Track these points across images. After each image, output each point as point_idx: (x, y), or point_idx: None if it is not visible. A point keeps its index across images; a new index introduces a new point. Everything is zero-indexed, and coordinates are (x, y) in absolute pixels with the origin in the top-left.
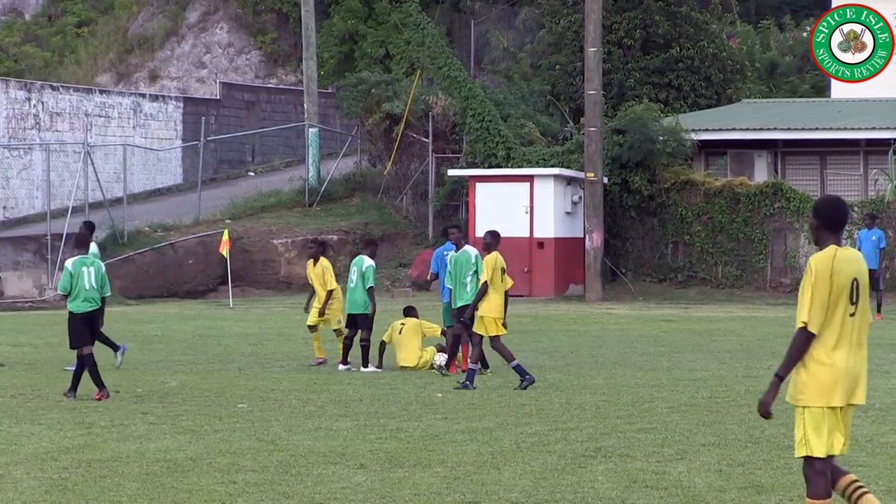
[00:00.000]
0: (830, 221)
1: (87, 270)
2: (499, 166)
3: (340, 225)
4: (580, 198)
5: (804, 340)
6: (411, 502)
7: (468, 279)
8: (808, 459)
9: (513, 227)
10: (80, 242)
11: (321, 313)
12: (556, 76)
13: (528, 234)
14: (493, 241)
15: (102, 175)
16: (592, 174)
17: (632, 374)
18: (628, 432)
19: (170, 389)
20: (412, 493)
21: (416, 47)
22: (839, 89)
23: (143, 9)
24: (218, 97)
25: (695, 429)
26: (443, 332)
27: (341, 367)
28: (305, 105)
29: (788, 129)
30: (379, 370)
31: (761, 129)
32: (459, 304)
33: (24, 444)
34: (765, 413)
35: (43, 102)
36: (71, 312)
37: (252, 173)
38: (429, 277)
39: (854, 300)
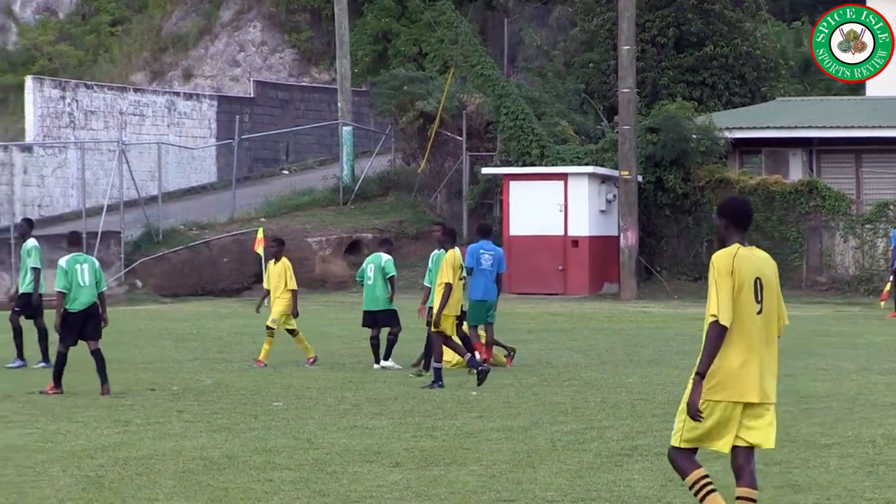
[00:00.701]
0: (737, 219)
1: (81, 268)
2: (533, 164)
3: (374, 223)
4: (615, 196)
5: (718, 333)
6: (447, 500)
7: None
8: (671, 449)
9: (547, 225)
10: (73, 241)
11: (294, 314)
12: (590, 74)
13: (562, 233)
14: (448, 239)
15: (137, 173)
16: (627, 172)
17: (667, 372)
18: (664, 431)
19: (205, 387)
20: (447, 491)
21: (449, 45)
22: (874, 87)
23: (177, 7)
24: (252, 96)
25: None
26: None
27: (376, 366)
28: (339, 103)
29: (823, 127)
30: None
31: (796, 128)
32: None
33: (60, 441)
34: (693, 414)
35: (77, 101)
36: (66, 310)
37: (286, 171)
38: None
39: (759, 299)
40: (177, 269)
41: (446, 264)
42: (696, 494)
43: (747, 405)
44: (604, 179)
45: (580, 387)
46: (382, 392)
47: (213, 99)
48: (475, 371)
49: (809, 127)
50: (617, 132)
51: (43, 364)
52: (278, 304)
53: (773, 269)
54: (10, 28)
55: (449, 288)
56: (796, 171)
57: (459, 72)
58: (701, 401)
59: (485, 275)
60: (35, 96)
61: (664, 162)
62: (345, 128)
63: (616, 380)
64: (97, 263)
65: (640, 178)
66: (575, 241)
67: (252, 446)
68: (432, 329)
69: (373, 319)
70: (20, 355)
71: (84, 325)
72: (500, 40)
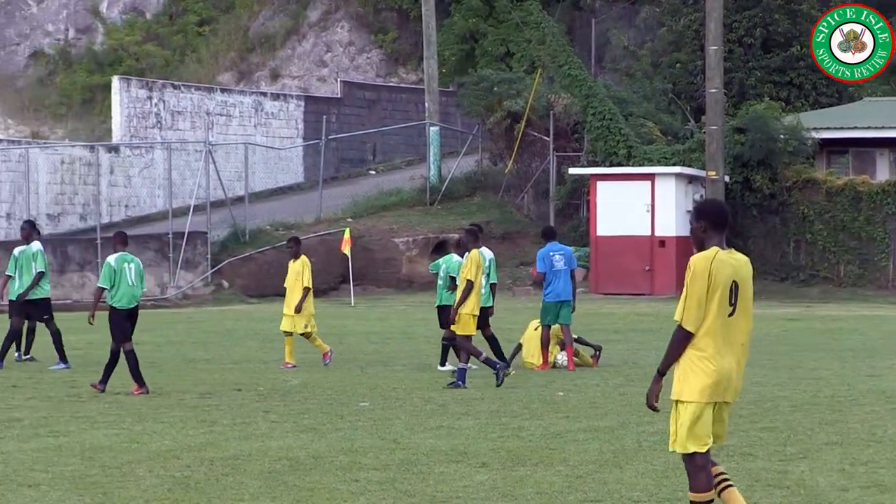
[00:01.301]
0: (715, 222)
1: (129, 267)
2: (620, 165)
3: (462, 224)
4: (702, 196)
5: (681, 337)
6: (533, 501)
7: (482, 280)
8: (688, 456)
9: (634, 225)
10: (122, 240)
11: (297, 309)
12: (677, 74)
13: (649, 233)
14: (470, 239)
15: (224, 174)
16: (714, 172)
17: (754, 372)
18: (751, 431)
19: (292, 388)
20: (534, 491)
21: (536, 46)
22: None
23: (265, 7)
24: (339, 96)
25: (817, 427)
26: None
27: (441, 368)
28: (426, 103)
29: None
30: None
31: (883, 128)
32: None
33: (146, 442)
34: (650, 405)
35: (164, 101)
36: (113, 308)
37: (373, 172)
38: (536, 277)
39: (732, 301)
40: (263, 269)
41: (472, 262)
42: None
43: (723, 405)
44: (691, 180)
45: (666, 387)
46: (469, 392)
47: (300, 99)
48: (455, 381)
49: None
50: (704, 132)
51: (62, 366)
52: (307, 306)
53: (750, 273)
54: (97, 28)
55: (471, 286)
56: (883, 172)
57: (547, 72)
58: (689, 403)
59: (558, 276)
60: (122, 97)
61: (751, 162)
62: (432, 128)
63: None
64: (141, 265)
65: (727, 179)
66: (662, 242)
67: (338, 447)
68: (450, 327)
69: (438, 318)
70: (2, 357)
71: (129, 323)
72: (587, 40)
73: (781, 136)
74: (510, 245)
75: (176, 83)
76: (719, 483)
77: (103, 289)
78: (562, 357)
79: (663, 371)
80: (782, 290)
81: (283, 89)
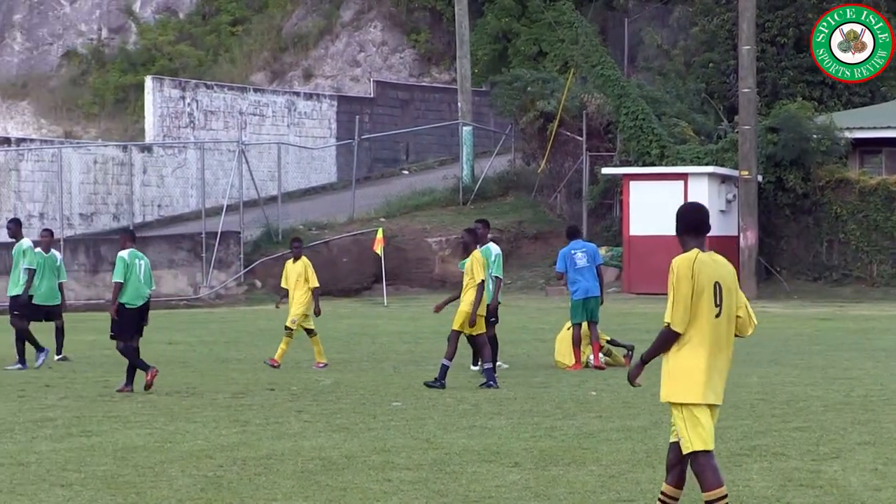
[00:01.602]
0: (690, 226)
1: (140, 263)
2: (653, 164)
3: (494, 223)
4: (734, 196)
5: (667, 337)
6: (566, 501)
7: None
8: (694, 455)
9: (667, 225)
10: (131, 237)
11: (317, 312)
12: (710, 74)
13: None
14: (471, 239)
15: (257, 173)
16: (747, 172)
17: (787, 372)
18: (783, 431)
19: (324, 387)
20: (567, 491)
21: (569, 45)
22: None
23: (298, 7)
24: (372, 96)
25: (850, 427)
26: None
27: (473, 367)
28: (459, 103)
29: None
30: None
31: None
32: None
33: (179, 441)
34: (631, 381)
35: (197, 101)
36: (122, 304)
37: (406, 172)
38: (556, 276)
39: (717, 302)
40: None
41: (477, 262)
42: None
43: (711, 407)
44: (724, 179)
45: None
46: (501, 392)
47: (333, 99)
48: (435, 379)
49: None
50: (737, 132)
51: (19, 366)
52: (297, 303)
53: (732, 274)
54: (130, 28)
55: (482, 286)
56: None
57: (580, 72)
58: (685, 406)
59: (582, 273)
60: (155, 96)
61: (784, 162)
62: (465, 128)
63: (735, 379)
64: (150, 265)
65: (760, 178)
66: None
67: (371, 446)
68: (468, 330)
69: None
70: (21, 359)
71: (136, 320)
72: (620, 40)
73: (814, 136)
74: (543, 245)
75: (209, 83)
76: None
77: (120, 283)
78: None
79: (646, 360)
80: (815, 289)
81: (316, 89)
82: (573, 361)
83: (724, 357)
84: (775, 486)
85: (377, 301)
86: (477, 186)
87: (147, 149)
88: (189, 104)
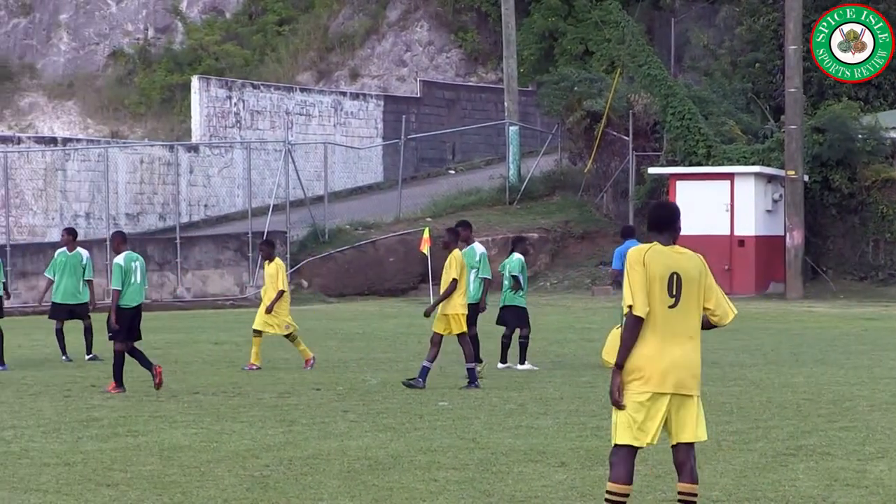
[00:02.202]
0: (651, 223)
1: (135, 265)
2: (699, 164)
3: (541, 223)
4: (781, 196)
5: (634, 323)
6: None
7: (471, 276)
8: (615, 446)
9: (713, 225)
10: (122, 239)
11: (268, 310)
12: (756, 74)
13: (728, 233)
14: (452, 238)
15: (303, 173)
16: (793, 172)
17: (833, 372)
18: (829, 430)
19: (371, 387)
20: None
21: (616, 45)
22: None
23: (344, 7)
24: (418, 95)
25: None
26: None
27: (500, 365)
28: (506, 103)
29: None
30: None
31: None
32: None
33: (225, 441)
34: (614, 402)
35: (244, 101)
36: (119, 307)
37: (452, 171)
38: (611, 274)
39: (673, 293)
40: (343, 268)
41: (454, 261)
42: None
43: (673, 398)
44: (770, 179)
45: (745, 386)
46: (547, 392)
47: (379, 99)
48: (467, 382)
49: None
50: (783, 132)
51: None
52: (283, 308)
53: (698, 267)
54: (176, 28)
55: (455, 285)
56: None
57: (627, 72)
58: (628, 395)
59: None
60: (201, 96)
61: (830, 162)
62: (511, 127)
63: (781, 379)
64: (145, 263)
65: (806, 178)
66: (741, 241)
67: (417, 446)
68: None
69: (498, 317)
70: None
71: (133, 321)
72: (666, 40)
73: (860, 136)
74: (589, 244)
75: (255, 83)
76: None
77: (118, 291)
78: None
79: (620, 364)
80: (861, 289)
81: (363, 89)
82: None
83: (685, 348)
84: (821, 486)
85: (423, 301)
86: (523, 186)
87: (193, 148)
88: (235, 104)
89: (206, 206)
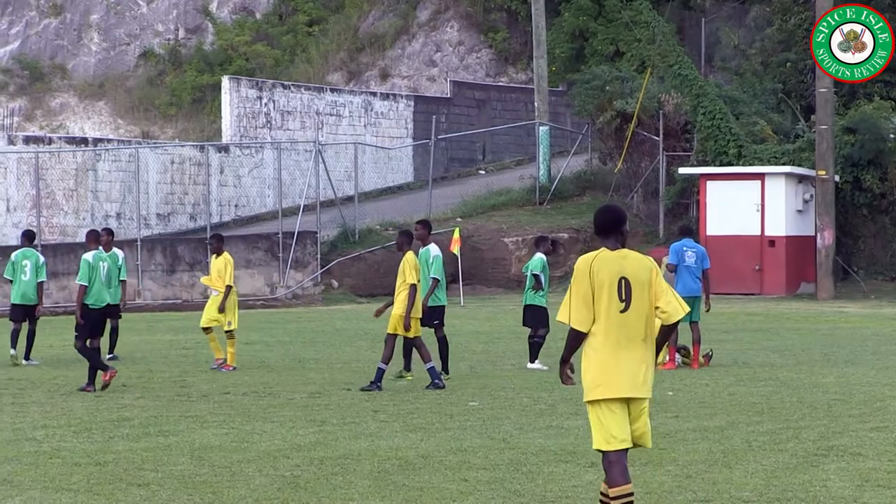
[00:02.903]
0: (597, 227)
1: (103, 265)
2: (730, 164)
3: (571, 223)
4: (811, 196)
5: (573, 337)
6: (642, 501)
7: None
8: (603, 453)
9: (744, 225)
10: (94, 238)
11: (221, 309)
12: (787, 73)
13: (759, 233)
14: (405, 240)
15: (333, 173)
16: (824, 172)
17: (864, 372)
18: (860, 431)
19: (401, 387)
20: (643, 491)
21: (646, 45)
22: None
23: (374, 7)
24: (449, 96)
25: None
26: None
27: (530, 365)
28: (536, 103)
29: None
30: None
31: None
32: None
33: (256, 441)
34: (564, 380)
35: (274, 101)
36: (86, 306)
37: (482, 171)
38: (668, 268)
39: (623, 298)
40: (373, 269)
41: (408, 265)
42: None
43: (631, 402)
44: (801, 179)
45: (776, 387)
46: (578, 392)
47: (409, 99)
48: (431, 382)
49: None
50: (814, 132)
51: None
52: (225, 303)
53: (647, 269)
54: (206, 28)
55: (415, 289)
56: None
57: (657, 71)
58: (593, 403)
59: (689, 271)
60: (232, 96)
61: (861, 162)
62: (541, 127)
63: (812, 380)
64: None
65: (837, 178)
66: (772, 241)
67: (447, 446)
68: (402, 333)
69: (523, 317)
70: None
71: (98, 321)
72: (697, 40)
73: (891, 136)
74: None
75: (286, 83)
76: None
77: (84, 286)
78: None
79: (565, 359)
80: (892, 289)
81: (393, 89)
82: (668, 359)
83: (639, 350)
84: (852, 487)
85: (453, 301)
86: (553, 186)
87: (224, 149)
88: (266, 104)
89: (236, 206)
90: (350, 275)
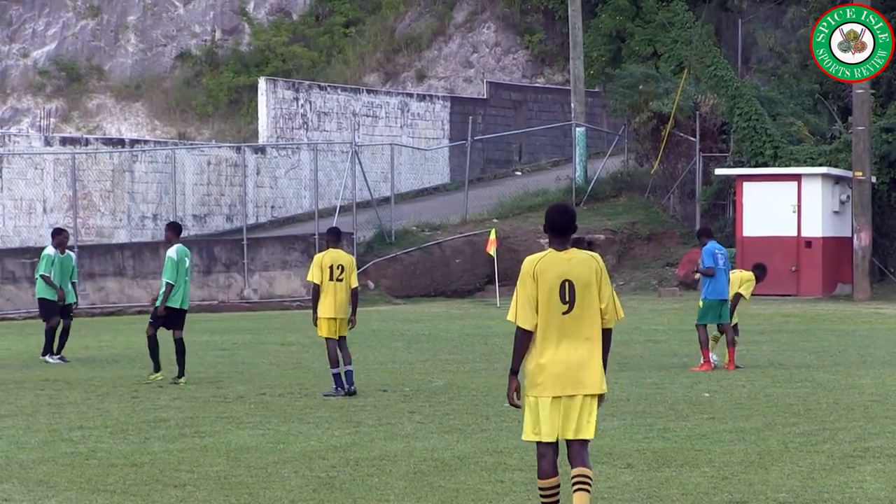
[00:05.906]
0: (548, 226)
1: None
2: (766, 165)
3: (607, 224)
4: (848, 197)
5: (520, 336)
6: (678, 502)
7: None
8: (537, 444)
9: (780, 226)
10: (58, 238)
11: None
12: (824, 74)
13: (795, 234)
14: (333, 238)
15: (370, 174)
16: (860, 173)
17: None
18: None
19: (437, 388)
20: (679, 492)
21: (683, 46)
22: None
23: (411, 8)
24: (485, 97)
25: None
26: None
27: None
28: (572, 104)
29: None
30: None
31: None
32: None
33: (291, 442)
34: (510, 402)
35: (311, 102)
36: (43, 299)
37: (519, 172)
38: (703, 271)
39: (565, 300)
40: (409, 270)
41: (314, 264)
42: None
43: (569, 399)
44: (837, 180)
45: (812, 388)
46: (614, 393)
47: (446, 100)
48: (333, 388)
49: None
50: (851, 133)
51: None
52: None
53: (593, 270)
54: (243, 29)
55: (317, 288)
56: None
57: (694, 72)
58: (529, 396)
59: (720, 273)
60: (268, 97)
61: None
62: (578, 129)
63: (849, 381)
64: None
65: (874, 179)
66: (808, 242)
67: (484, 447)
68: (320, 333)
69: None
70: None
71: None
72: (733, 41)
73: None
74: (656, 246)
75: (322, 84)
76: (575, 484)
77: (47, 276)
78: (716, 358)
79: (514, 370)
80: None
81: (429, 90)
82: (703, 362)
83: (580, 350)
84: (889, 488)
85: (490, 302)
86: (590, 187)
87: (260, 150)
88: (302, 105)
89: (272, 207)
90: (386, 276)
